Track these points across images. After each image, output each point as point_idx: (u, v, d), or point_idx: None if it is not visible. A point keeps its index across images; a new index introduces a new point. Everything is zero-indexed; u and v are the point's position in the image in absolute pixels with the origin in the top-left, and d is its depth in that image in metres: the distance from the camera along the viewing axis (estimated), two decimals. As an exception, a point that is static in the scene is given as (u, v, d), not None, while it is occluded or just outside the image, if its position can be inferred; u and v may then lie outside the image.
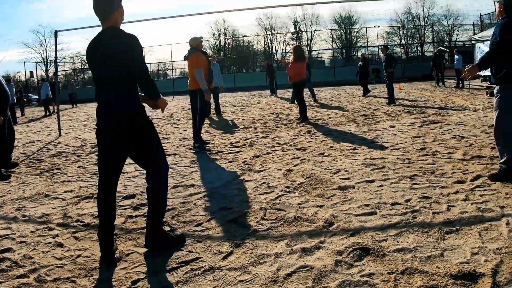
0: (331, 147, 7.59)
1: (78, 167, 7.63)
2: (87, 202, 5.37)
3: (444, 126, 8.90)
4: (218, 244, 3.75)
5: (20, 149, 10.55)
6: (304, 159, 6.81)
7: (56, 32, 13.16)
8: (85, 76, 54.82)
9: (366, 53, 45.76)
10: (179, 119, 14.61)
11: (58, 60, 53.15)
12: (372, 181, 5.20)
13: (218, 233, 4.01)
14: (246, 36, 59.74)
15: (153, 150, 3.76)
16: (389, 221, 3.87)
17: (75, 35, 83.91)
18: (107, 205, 3.66)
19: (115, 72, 3.47)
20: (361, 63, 19.00)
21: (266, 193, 5.13)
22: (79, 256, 3.73)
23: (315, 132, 9.47)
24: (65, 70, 53.23)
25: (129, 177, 6.56)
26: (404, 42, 56.62)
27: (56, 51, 13.98)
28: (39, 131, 14.45)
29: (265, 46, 58.99)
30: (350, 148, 7.36)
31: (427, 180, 5.06)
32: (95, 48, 3.56)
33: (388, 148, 7.12)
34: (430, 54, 47.07)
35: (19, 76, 53.62)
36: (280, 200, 4.78)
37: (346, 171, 5.80)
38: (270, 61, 29.76)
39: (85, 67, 57.28)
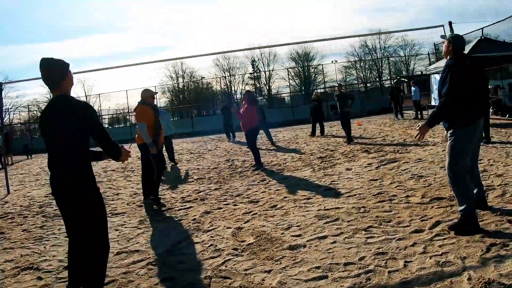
0: (285, 197, 7.19)
1: (22, 231, 6.98)
2: (26, 274, 4.80)
3: (402, 165, 8.64)
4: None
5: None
6: (256, 213, 6.38)
7: (1, 85, 12.79)
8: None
9: (322, 90, 46.36)
10: (133, 170, 14.01)
11: (13, 108, 51.84)
12: (325, 237, 4.80)
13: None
14: (204, 78, 59.76)
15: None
16: (341, 286, 3.46)
17: (30, 83, 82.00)
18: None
19: (62, 140, 3.41)
20: (316, 103, 18.57)
21: (212, 257, 4.67)
22: None
23: (269, 181, 9.06)
24: (20, 119, 51.67)
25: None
26: (362, 75, 57.64)
27: (1, 104, 13.64)
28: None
29: (224, 87, 58.97)
30: (304, 197, 6.97)
31: (383, 231, 4.70)
32: (45, 116, 3.50)
33: (344, 195, 6.76)
34: (389, 85, 47.80)
35: None
36: (226, 266, 4.33)
37: (298, 226, 5.39)
38: (227, 103, 29.20)
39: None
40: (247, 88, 56.25)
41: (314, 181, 8.33)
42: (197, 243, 5.31)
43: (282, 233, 5.17)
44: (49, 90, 3.57)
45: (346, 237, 4.67)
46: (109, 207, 8.17)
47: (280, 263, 4.18)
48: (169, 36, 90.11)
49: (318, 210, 6.04)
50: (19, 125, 50.53)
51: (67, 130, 3.37)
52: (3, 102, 44.05)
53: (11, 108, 53.35)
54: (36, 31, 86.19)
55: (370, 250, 4.16)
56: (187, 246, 5.24)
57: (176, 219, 6.68)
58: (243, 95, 11.72)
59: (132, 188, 10.35)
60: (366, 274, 3.61)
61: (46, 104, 3.59)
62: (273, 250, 4.59)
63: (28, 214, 8.36)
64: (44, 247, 5.89)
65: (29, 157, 27.28)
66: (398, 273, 3.56)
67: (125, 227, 6.54)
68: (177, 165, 13.67)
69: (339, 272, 3.77)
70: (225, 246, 5.01)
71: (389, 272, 3.60)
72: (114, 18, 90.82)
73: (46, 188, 11.89)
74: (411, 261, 3.77)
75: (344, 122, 14.14)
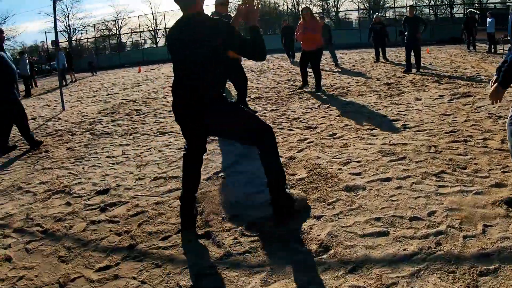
0: (346, 125, 6.45)
1: (66, 149, 6.85)
2: (56, 199, 4.55)
3: (477, 101, 7.50)
4: (178, 272, 2.85)
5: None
6: (312, 141, 5.73)
7: (54, 2, 12.48)
8: (109, 43, 54.08)
9: (391, 16, 43.68)
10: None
11: (80, 28, 52.62)
12: (389, 179, 4.07)
13: (183, 255, 3.09)
14: (271, -4, 57.24)
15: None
16: (404, 250, 2.81)
17: (97, 3, 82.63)
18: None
19: (204, 55, 3.22)
20: (380, 26, 16.90)
21: (257, 192, 4.10)
22: (21, 278, 2.97)
23: (330, 105, 8.28)
24: (87, 38, 52.16)
25: (113, 163, 5.71)
26: (433, 3, 53.62)
27: (55, 20, 13.19)
28: (47, 105, 13.57)
29: (291, 7, 56.48)
30: (368, 127, 6.19)
31: (457, 180, 3.90)
32: (180, 34, 3.31)
33: (412, 129, 5.91)
34: (460, 15, 44.11)
35: (42, 45, 53.01)
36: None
37: (358, 161, 4.68)
38: (288, 22, 27.87)
39: (110, 33, 56.69)
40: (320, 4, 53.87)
41: (379, 109, 7.49)
42: (241, 173, 4.76)
43: (339, 169, 4.50)
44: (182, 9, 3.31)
45: (413, 182, 3.92)
46: (158, 125, 7.82)
47: (333, 208, 3.56)
48: None
49: (383, 144, 5.28)
50: (86, 43, 51.14)
51: (211, 46, 3.18)
52: (71, 23, 44.69)
53: (78, 27, 54.11)
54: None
55: (442, 204, 3.42)
56: (230, 175, 4.73)
57: (226, 141, 6.18)
58: (303, 11, 10.47)
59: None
60: (435, 237, 2.92)
61: (176, 23, 3.37)
62: (326, 190, 3.96)
63: (76, 132, 8.20)
64: (83, 168, 5.61)
65: (94, 74, 27.63)
66: (474, 241, 2.84)
67: (170, 148, 6.14)
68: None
69: (403, 229, 3.10)
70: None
71: (463, 237, 2.88)
72: None
73: (101, 104, 11.80)
74: (491, 226, 3.01)
75: (413, 48, 12.81)
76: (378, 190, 3.85)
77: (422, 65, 12.92)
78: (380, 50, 16.78)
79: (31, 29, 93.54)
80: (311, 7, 55.58)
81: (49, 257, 3.26)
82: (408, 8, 14.39)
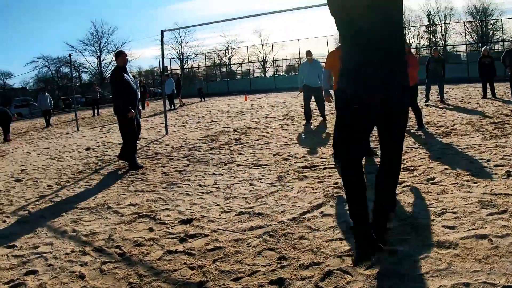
0: (445, 169, 5.87)
1: (161, 173, 7.09)
2: (141, 222, 4.66)
3: None
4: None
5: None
6: (408, 185, 5.28)
7: (162, 32, 13.35)
8: (220, 71, 56.38)
9: (500, 48, 40.93)
10: (293, 118, 13.59)
11: (192, 56, 55.33)
12: (485, 236, 3.52)
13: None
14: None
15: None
16: None
17: (210, 33, 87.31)
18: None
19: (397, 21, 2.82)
20: (489, 60, 15.71)
21: (340, 239, 3.80)
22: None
23: (432, 145, 7.69)
24: (198, 66, 54.85)
25: (202, 193, 5.74)
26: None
27: (162, 49, 14.05)
28: (152, 127, 14.37)
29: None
30: (469, 173, 5.56)
31: None
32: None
33: (518, 177, 5.21)
34: None
35: (156, 70, 56.98)
36: (349, 255, 3.40)
37: (454, 212, 4.15)
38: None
39: (221, 62, 59.30)
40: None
41: (483, 151, 6.76)
42: (329, 215, 4.45)
43: (433, 220, 4.02)
44: None
45: (512, 242, 3.38)
46: (254, 157, 7.80)
47: (420, 266, 3.14)
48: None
49: (483, 193, 4.65)
50: (198, 70, 53.87)
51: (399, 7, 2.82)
52: (184, 50, 47.53)
53: (190, 55, 57.32)
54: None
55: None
56: (316, 217, 4.44)
57: (317, 180, 5.95)
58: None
59: (285, 138, 9.87)
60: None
61: None
62: (415, 243, 3.54)
63: (174, 156, 8.45)
64: (173, 194, 5.70)
65: (202, 99, 28.95)
66: None
67: (261, 182, 6.02)
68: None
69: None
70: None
71: None
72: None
73: (203, 131, 12.16)
74: None
75: None
76: (471, 249, 3.35)
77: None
78: (488, 85, 15.56)
79: (147, 55, 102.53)
80: (418, 40, 54.37)
81: (120, 281, 3.28)
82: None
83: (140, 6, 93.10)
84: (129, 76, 7.75)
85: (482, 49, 16.08)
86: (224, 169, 7.07)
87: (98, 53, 58.82)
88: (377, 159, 6.63)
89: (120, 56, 7.78)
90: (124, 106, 7.51)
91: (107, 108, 30.25)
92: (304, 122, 12.41)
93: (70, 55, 22.98)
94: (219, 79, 54.47)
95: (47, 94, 23.34)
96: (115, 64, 7.80)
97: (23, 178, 7.91)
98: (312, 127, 11.59)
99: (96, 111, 25.83)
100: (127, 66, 7.90)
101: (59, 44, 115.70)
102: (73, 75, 61.09)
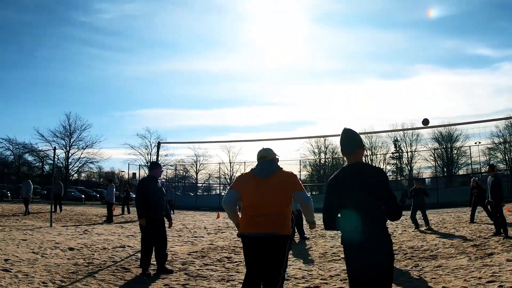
0: (443, 287, 6.49)
1: (163, 285, 7.20)
2: None
3: None
4: None
5: (110, 252, 10.45)
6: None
7: (159, 144, 14.31)
8: (185, 184, 56.92)
9: (464, 173, 43.10)
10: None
11: (163, 165, 56.09)
12: None
13: None
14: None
15: None
16: None
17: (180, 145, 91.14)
18: None
19: (371, 202, 3.65)
20: (476, 191, 16.91)
21: None
22: None
23: (423, 267, 8.29)
24: (167, 176, 55.16)
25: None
26: (507, 158, 53.23)
27: (157, 157, 15.19)
28: (132, 235, 14.21)
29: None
30: None
31: None
32: (352, 178, 3.81)
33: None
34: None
35: (122, 175, 57.16)
36: None
37: None
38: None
39: (186, 174, 60.45)
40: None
41: (473, 271, 7.45)
42: None
43: None
44: (344, 155, 4.11)
45: None
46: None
47: None
48: (311, 113, 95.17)
49: None
50: (165, 182, 54.51)
51: (373, 193, 3.64)
52: (152, 158, 48.43)
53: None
54: (184, 101, 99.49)
55: None
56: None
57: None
58: None
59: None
60: None
61: (343, 169, 4.01)
62: None
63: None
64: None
65: (172, 212, 28.76)
66: None
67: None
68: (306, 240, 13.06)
69: None
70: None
71: None
72: (259, 95, 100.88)
73: (189, 246, 12.21)
74: None
75: (496, 209, 12.54)
76: None
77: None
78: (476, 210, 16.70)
79: (117, 156, 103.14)
80: (384, 166, 56.87)
81: None
82: (488, 166, 14.29)
83: (118, 107, 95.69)
84: (156, 186, 8.31)
85: (472, 180, 17.07)
86: (228, 286, 7.19)
87: (68, 148, 57.86)
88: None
89: (156, 168, 8.62)
90: (140, 212, 8.04)
91: (69, 205, 29.84)
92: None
93: (54, 148, 22.83)
94: (184, 193, 54.68)
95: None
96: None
97: (11, 269, 7.81)
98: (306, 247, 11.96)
99: (59, 207, 25.35)
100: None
101: (28, 130, 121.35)
102: (36, 164, 61.83)
